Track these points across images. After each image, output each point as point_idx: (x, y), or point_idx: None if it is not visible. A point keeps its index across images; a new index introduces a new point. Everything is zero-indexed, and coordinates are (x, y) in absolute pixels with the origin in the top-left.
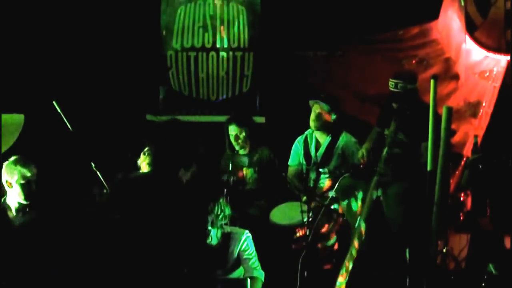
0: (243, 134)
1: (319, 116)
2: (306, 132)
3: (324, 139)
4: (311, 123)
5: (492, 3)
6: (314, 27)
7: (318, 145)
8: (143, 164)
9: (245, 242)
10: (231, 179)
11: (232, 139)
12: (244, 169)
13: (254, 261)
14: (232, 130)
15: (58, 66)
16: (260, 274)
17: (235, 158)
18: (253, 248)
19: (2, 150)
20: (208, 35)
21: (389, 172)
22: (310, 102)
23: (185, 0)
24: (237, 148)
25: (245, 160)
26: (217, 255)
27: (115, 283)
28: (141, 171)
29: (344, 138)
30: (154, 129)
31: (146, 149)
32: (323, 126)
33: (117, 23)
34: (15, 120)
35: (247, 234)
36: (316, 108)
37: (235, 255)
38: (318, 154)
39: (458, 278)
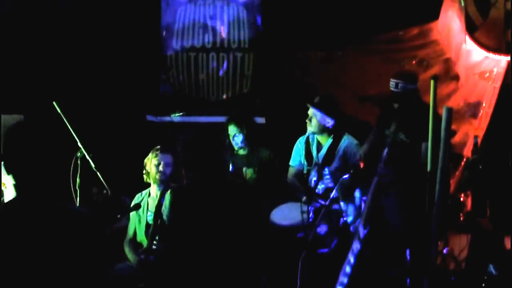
0: (242, 134)
1: (311, 120)
2: (307, 133)
3: (325, 141)
4: (307, 126)
5: (492, 3)
6: (314, 27)
7: (319, 146)
8: (149, 163)
9: None
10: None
11: (231, 139)
12: (244, 169)
13: None
14: (232, 130)
15: (58, 66)
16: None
17: (235, 159)
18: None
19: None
20: (208, 35)
21: (389, 172)
22: (308, 105)
23: (185, 1)
24: (236, 148)
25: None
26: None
27: None
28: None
29: (346, 140)
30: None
31: (156, 148)
32: (318, 130)
33: (117, 23)
34: (15, 120)
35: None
36: (309, 112)
37: None
38: (319, 155)
39: (459, 278)
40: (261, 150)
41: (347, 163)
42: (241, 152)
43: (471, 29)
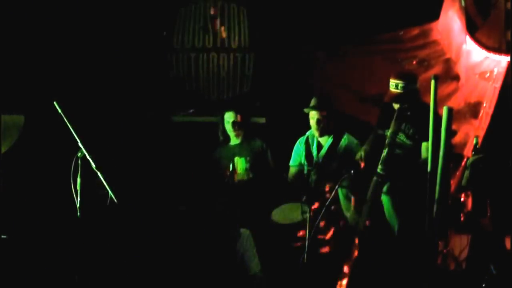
0: (240, 120)
1: (319, 122)
2: (307, 133)
3: (326, 141)
4: (315, 132)
5: (492, 3)
6: (314, 27)
7: (320, 146)
8: None
9: (248, 242)
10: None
11: (230, 126)
12: (236, 158)
13: (255, 258)
14: (230, 117)
15: (59, 66)
16: (260, 271)
17: (227, 148)
18: (254, 246)
19: (2, 151)
20: (208, 35)
21: (389, 173)
22: (305, 110)
23: (186, 0)
24: (232, 135)
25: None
26: (223, 256)
27: None
28: None
29: (346, 140)
30: None
31: None
32: (327, 131)
33: (118, 23)
34: (15, 120)
35: (248, 232)
36: (314, 115)
37: (240, 255)
38: (320, 155)
39: (459, 278)
40: (254, 141)
41: (347, 162)
42: (234, 142)
43: (471, 29)
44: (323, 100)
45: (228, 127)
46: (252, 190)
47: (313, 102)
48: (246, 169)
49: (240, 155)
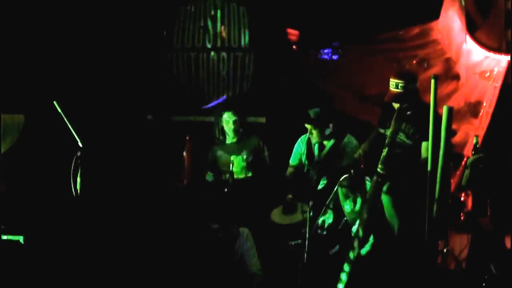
0: (239, 120)
1: (311, 132)
2: (313, 141)
3: (328, 142)
4: (313, 140)
5: (492, 3)
6: (314, 27)
7: (321, 146)
8: None
9: (248, 241)
10: (229, 179)
11: (231, 125)
12: (232, 157)
13: (254, 257)
14: (229, 116)
15: (59, 66)
16: (259, 271)
17: (224, 147)
18: (254, 245)
19: (2, 150)
20: (208, 35)
21: (389, 172)
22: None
23: (186, 0)
24: (231, 135)
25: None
26: (222, 254)
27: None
28: None
29: (346, 140)
30: None
31: None
32: (322, 138)
33: (118, 23)
34: (15, 120)
35: (247, 231)
36: (308, 126)
37: (239, 254)
38: (321, 154)
39: (459, 278)
40: (251, 139)
41: (347, 163)
42: (230, 140)
43: (471, 28)
44: (321, 112)
45: (228, 126)
46: (251, 189)
47: (311, 114)
48: (243, 168)
49: (237, 154)
